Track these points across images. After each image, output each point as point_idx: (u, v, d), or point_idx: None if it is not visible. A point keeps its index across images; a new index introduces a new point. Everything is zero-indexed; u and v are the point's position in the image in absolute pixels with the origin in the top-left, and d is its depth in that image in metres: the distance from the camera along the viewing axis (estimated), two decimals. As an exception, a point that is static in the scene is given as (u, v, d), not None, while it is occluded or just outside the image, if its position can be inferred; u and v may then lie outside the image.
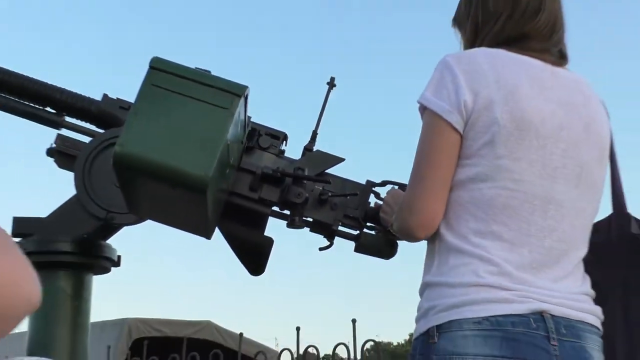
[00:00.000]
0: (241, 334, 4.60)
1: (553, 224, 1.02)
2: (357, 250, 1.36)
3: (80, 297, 1.25)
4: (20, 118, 1.34)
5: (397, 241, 1.36)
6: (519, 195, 1.02)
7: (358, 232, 1.35)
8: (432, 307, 1.01)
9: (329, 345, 3.79)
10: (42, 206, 1.36)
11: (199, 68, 1.15)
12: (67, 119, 1.37)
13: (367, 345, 3.73)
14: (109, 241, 1.32)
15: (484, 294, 0.98)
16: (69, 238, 1.24)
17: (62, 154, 1.31)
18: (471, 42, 1.16)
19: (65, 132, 1.36)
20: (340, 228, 1.35)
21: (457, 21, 1.22)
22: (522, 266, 1.00)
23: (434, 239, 1.05)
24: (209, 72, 1.15)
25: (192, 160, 1.04)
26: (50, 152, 1.33)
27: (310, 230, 1.36)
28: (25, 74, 1.37)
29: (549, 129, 1.04)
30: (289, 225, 1.31)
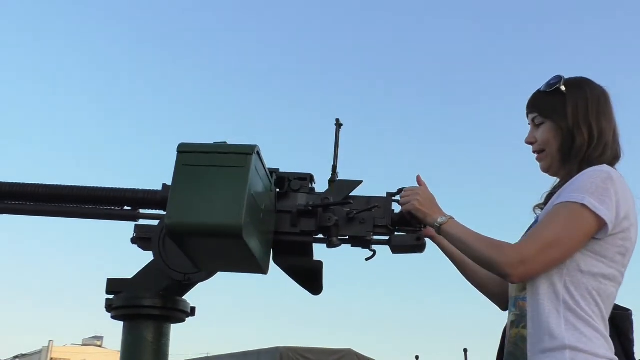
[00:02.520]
0: (417, 357, 4.65)
1: None
2: (393, 251, 1.55)
3: (159, 342, 1.51)
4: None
5: (425, 238, 1.53)
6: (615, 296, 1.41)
7: (389, 237, 1.53)
8: None
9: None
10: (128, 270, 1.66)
11: (217, 142, 1.42)
12: (141, 211, 1.69)
13: None
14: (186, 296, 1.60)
15: None
16: (150, 295, 1.51)
17: (142, 239, 1.63)
18: (579, 146, 1.42)
19: (141, 221, 1.69)
20: (375, 237, 1.54)
21: (549, 113, 1.48)
22: None
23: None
24: (225, 142, 1.42)
25: (224, 213, 1.28)
26: (133, 240, 1.65)
27: (352, 246, 1.57)
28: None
29: (634, 247, 1.43)
30: (328, 246, 1.53)
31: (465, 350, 3.83)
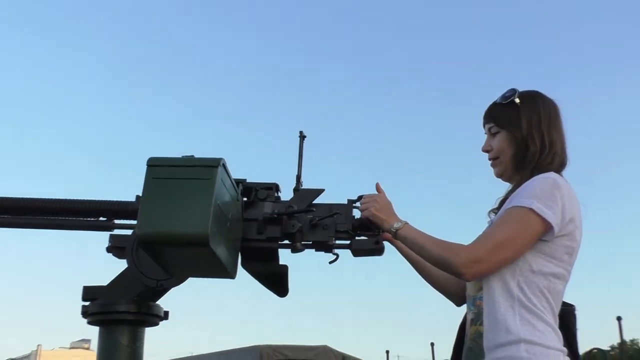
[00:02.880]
0: (387, 352, 4.97)
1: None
2: (354, 255, 1.65)
3: (134, 346, 1.58)
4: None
5: (383, 241, 1.63)
6: (563, 293, 1.52)
7: (350, 241, 1.63)
8: None
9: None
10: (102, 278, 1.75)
11: (184, 155, 1.50)
12: (116, 221, 1.77)
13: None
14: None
15: (564, 358, 1.44)
16: (124, 301, 1.58)
17: (116, 248, 1.71)
18: (532, 155, 1.54)
19: (116, 231, 1.77)
20: (337, 242, 1.64)
21: (504, 123, 1.60)
22: None
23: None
24: (192, 156, 1.50)
25: (192, 223, 1.36)
26: (109, 249, 1.72)
27: (316, 250, 1.66)
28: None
29: (579, 247, 1.54)
30: (293, 251, 1.62)
31: (432, 344, 4.06)
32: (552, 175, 1.50)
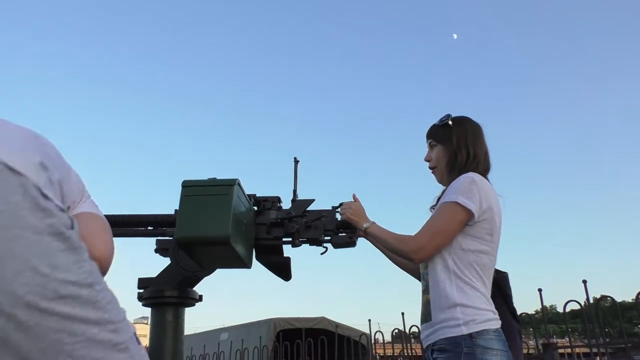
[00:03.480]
0: (369, 320, 5.60)
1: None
2: (334, 247, 2.07)
3: (177, 322, 1.93)
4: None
5: (356, 237, 2.09)
6: (491, 265, 1.87)
7: (330, 237, 2.07)
8: (473, 320, 1.73)
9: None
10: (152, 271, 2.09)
11: (209, 178, 1.98)
12: (160, 229, 2.25)
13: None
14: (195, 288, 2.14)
15: (494, 315, 1.79)
16: (169, 288, 1.94)
17: (162, 249, 2.17)
18: (460, 163, 1.96)
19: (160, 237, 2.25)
20: (326, 238, 2.11)
21: (440, 139, 2.05)
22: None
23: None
24: (215, 178, 1.97)
25: (215, 228, 1.74)
26: (156, 250, 2.19)
27: (310, 245, 2.12)
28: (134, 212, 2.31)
29: (499, 229, 1.90)
30: (293, 246, 2.07)
31: (403, 314, 4.74)
32: (470, 174, 1.90)
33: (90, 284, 0.67)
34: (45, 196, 0.66)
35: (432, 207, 2.08)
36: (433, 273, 1.87)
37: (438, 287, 1.84)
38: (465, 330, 1.71)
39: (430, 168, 2.09)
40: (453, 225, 1.83)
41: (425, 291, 1.92)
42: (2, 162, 0.63)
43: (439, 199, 2.03)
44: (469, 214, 1.83)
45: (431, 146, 2.08)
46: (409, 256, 1.88)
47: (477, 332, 1.71)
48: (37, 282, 0.60)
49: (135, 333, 0.77)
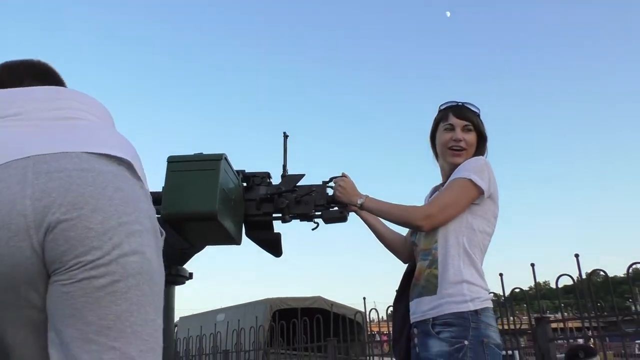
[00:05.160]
0: (364, 298, 5.67)
1: None
2: (325, 222, 2.07)
3: (167, 301, 1.78)
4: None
5: (347, 212, 2.07)
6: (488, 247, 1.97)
7: (321, 212, 2.06)
8: (478, 297, 1.82)
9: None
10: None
11: (196, 153, 1.94)
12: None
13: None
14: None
15: (490, 295, 1.89)
16: None
17: None
18: (481, 154, 2.08)
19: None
20: (316, 213, 2.08)
21: (476, 127, 2.10)
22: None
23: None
24: (202, 153, 1.94)
25: (201, 203, 1.72)
26: None
27: (300, 221, 2.10)
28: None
29: None
30: (283, 222, 2.05)
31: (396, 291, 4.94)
32: (482, 158, 2.00)
33: None
34: None
35: (439, 187, 2.14)
36: (444, 248, 1.92)
37: (447, 262, 1.89)
38: (472, 307, 1.79)
39: (460, 149, 2.07)
40: (464, 199, 1.90)
41: (431, 265, 1.95)
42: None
43: (435, 189, 2.08)
44: (480, 192, 1.91)
45: (467, 130, 2.09)
46: (416, 223, 1.91)
47: (481, 309, 1.80)
48: None
49: None
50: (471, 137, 2.07)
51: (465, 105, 2.11)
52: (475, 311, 1.79)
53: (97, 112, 1.08)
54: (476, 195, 1.91)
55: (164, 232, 1.09)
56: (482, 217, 1.93)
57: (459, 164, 2.03)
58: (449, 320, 1.80)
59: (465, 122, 2.08)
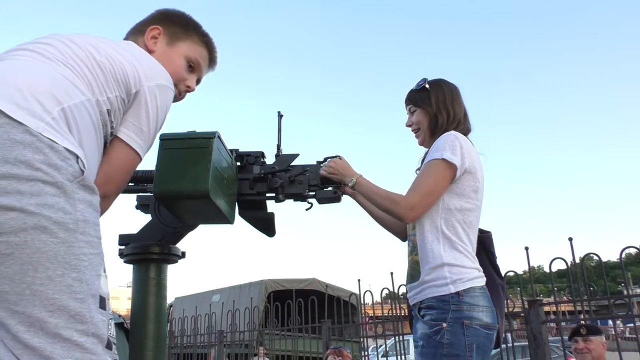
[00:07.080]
0: (359, 280, 5.72)
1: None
2: (318, 202, 2.04)
3: (159, 278, 1.89)
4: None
5: (341, 192, 2.05)
6: (476, 222, 1.91)
7: (314, 192, 2.03)
8: (460, 278, 1.79)
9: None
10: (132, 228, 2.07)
11: (189, 131, 1.92)
12: (141, 185, 2.20)
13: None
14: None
15: (479, 273, 1.85)
16: (150, 244, 1.91)
17: (142, 205, 2.13)
18: (441, 124, 1.99)
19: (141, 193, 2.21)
20: (310, 193, 2.07)
21: (419, 103, 2.06)
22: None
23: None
24: (195, 130, 1.91)
25: (194, 182, 1.70)
26: (137, 207, 2.15)
27: (294, 201, 2.09)
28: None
29: (482, 186, 1.94)
30: (276, 201, 2.04)
31: (392, 273, 4.96)
32: (451, 132, 1.93)
33: None
34: None
35: (418, 170, 2.08)
36: (421, 233, 1.90)
37: (425, 248, 1.86)
38: (452, 289, 1.77)
39: (413, 131, 2.10)
40: (443, 182, 1.86)
41: (412, 252, 1.95)
42: None
43: (422, 160, 2.02)
44: (455, 168, 1.85)
45: (411, 112, 2.09)
46: (401, 217, 1.88)
47: (464, 290, 1.78)
48: None
49: None
50: (417, 116, 2.07)
51: (412, 88, 2.13)
52: (457, 293, 1.77)
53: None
54: (452, 173, 1.86)
55: (95, 189, 1.08)
56: (458, 195, 1.88)
57: (429, 144, 2.03)
58: (431, 303, 1.82)
59: (407, 106, 2.12)
